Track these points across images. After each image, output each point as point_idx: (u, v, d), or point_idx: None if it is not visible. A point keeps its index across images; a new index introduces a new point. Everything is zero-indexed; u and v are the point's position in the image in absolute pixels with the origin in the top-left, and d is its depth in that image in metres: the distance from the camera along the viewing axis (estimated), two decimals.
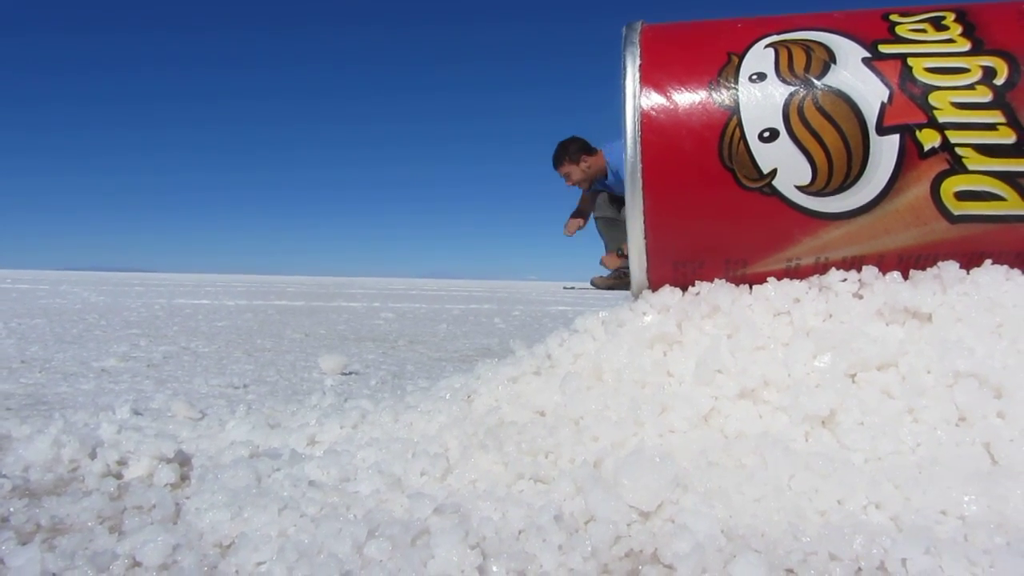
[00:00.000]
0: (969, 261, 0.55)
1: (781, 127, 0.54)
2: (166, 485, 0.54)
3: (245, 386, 0.99)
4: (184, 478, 0.56)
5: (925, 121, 0.53)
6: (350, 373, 1.11)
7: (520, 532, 0.42)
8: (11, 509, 0.48)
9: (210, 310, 2.42)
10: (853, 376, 0.51)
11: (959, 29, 0.55)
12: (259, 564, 0.40)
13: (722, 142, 0.55)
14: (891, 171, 0.54)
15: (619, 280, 5.13)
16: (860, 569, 0.39)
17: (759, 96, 0.55)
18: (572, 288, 5.43)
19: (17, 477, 0.54)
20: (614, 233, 5.00)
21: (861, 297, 0.55)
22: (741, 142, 0.55)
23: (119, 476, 0.56)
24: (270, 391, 0.96)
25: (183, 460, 0.59)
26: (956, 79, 0.53)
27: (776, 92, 0.55)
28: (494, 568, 0.39)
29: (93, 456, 0.58)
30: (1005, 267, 0.54)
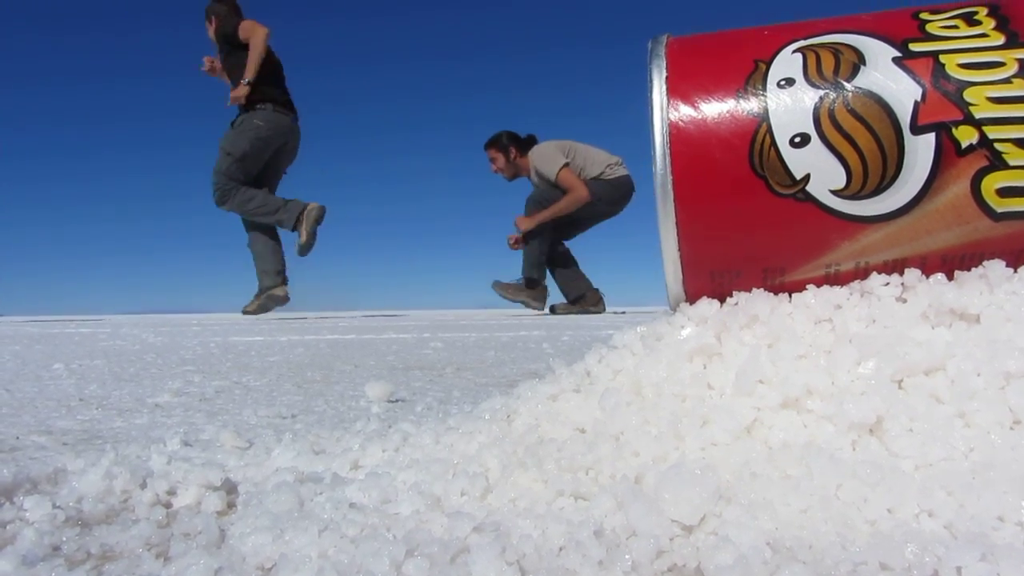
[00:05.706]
0: (1016, 259, 0.53)
1: (812, 131, 0.54)
2: (213, 512, 0.54)
3: (293, 416, 1.00)
4: (231, 505, 0.57)
5: (961, 118, 0.52)
6: (396, 400, 1.12)
7: (560, 549, 0.42)
8: (63, 538, 0.49)
9: (263, 346, 2.46)
10: (900, 382, 0.50)
11: (992, 23, 0.54)
12: None
13: (752, 150, 0.54)
14: (928, 170, 0.52)
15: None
16: None
17: (788, 101, 0.54)
18: (623, 313, 5.40)
19: (71, 508, 0.55)
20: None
21: (905, 301, 0.54)
22: (772, 148, 0.54)
23: (168, 505, 0.57)
24: (317, 420, 0.96)
25: (230, 488, 0.59)
26: (991, 74, 0.52)
27: (806, 96, 0.54)
28: None
29: (144, 486, 0.59)
30: None
